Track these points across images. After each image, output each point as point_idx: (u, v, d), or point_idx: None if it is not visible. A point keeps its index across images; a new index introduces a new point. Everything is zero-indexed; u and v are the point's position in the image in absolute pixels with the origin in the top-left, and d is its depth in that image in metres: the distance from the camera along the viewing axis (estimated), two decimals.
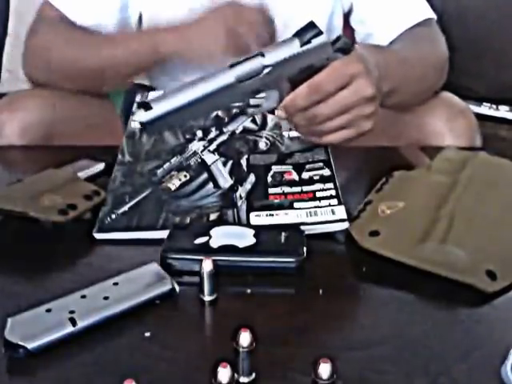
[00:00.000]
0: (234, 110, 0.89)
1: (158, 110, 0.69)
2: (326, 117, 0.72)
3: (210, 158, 0.79)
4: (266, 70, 0.71)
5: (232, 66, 0.73)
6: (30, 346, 0.51)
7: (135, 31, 1.05)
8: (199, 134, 0.84)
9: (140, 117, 0.67)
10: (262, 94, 0.87)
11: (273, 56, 0.73)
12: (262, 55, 0.73)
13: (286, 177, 0.75)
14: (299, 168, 0.76)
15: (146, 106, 0.67)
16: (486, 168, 0.79)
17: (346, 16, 1.06)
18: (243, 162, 0.78)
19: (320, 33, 0.73)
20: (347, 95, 0.71)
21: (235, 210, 0.71)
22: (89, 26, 0.99)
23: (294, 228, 0.67)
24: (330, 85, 0.70)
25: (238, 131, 0.84)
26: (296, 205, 0.71)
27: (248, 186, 0.74)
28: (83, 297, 0.57)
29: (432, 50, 0.97)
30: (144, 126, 0.67)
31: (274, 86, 0.71)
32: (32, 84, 1.01)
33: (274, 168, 0.77)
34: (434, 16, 1.01)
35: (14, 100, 0.95)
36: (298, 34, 0.73)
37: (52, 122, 0.93)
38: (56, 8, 1.00)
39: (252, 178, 0.75)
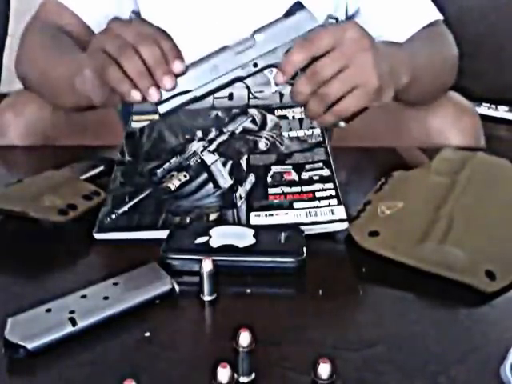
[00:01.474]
0: (234, 110, 0.89)
1: (173, 103, 0.71)
2: (328, 71, 0.68)
3: (209, 158, 0.79)
4: (259, 39, 0.71)
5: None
6: (30, 345, 0.52)
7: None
8: (199, 134, 0.84)
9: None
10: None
11: (262, 28, 0.72)
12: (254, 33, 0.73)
13: (286, 177, 0.75)
14: (299, 168, 0.76)
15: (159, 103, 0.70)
16: (484, 168, 0.79)
17: (348, 19, 1.06)
18: (243, 162, 0.78)
19: (303, 8, 0.73)
20: (344, 47, 0.68)
21: (235, 210, 0.71)
22: (92, 19, 0.98)
23: (293, 228, 0.67)
24: (325, 36, 0.69)
25: (237, 131, 0.84)
26: (296, 205, 0.71)
27: (248, 186, 0.74)
28: (83, 297, 0.57)
29: (444, 47, 0.97)
30: (156, 104, 0.70)
31: (272, 59, 0.71)
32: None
33: (274, 168, 0.77)
34: (441, 17, 1.01)
35: (17, 101, 0.95)
36: (285, 14, 0.74)
37: (54, 123, 0.93)
38: (56, 3, 0.98)
39: (252, 178, 0.76)
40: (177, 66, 0.70)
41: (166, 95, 0.70)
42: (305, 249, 0.63)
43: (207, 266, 0.58)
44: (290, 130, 0.84)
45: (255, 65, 0.71)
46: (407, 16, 0.99)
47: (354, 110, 0.71)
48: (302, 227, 0.67)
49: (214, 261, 0.59)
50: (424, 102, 0.93)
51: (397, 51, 0.80)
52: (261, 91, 0.92)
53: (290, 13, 0.72)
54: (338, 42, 0.69)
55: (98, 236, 0.69)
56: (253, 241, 0.64)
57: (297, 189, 0.73)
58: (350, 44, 0.69)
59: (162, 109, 0.70)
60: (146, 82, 0.69)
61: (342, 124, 0.73)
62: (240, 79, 0.72)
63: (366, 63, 0.70)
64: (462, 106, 0.96)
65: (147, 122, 0.87)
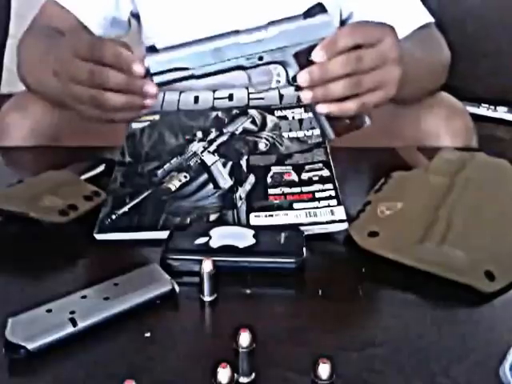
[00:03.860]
0: (234, 111, 0.89)
1: (165, 56, 0.70)
2: (371, 62, 0.68)
3: (209, 159, 0.79)
4: (271, 33, 0.69)
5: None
6: (31, 346, 0.52)
7: None
8: (199, 134, 0.84)
9: (148, 61, 0.69)
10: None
11: (278, 22, 0.71)
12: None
13: (286, 177, 0.75)
14: (299, 169, 0.76)
15: (153, 49, 0.69)
16: (484, 169, 0.79)
17: (342, 23, 1.06)
18: (243, 162, 0.79)
19: (325, 11, 0.72)
20: (375, 51, 0.69)
21: (235, 210, 0.71)
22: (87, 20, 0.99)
23: (293, 228, 0.67)
24: (373, 30, 0.69)
25: (237, 132, 0.85)
26: (295, 205, 0.71)
27: (248, 186, 0.75)
28: (83, 297, 0.57)
29: (434, 47, 0.97)
30: (151, 74, 0.69)
31: (279, 56, 0.70)
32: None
33: (274, 169, 0.77)
34: (432, 20, 1.02)
35: (22, 101, 0.95)
36: (305, 13, 0.72)
37: (58, 124, 0.93)
38: (55, 5, 0.99)
39: (252, 178, 0.76)
40: (137, 69, 0.68)
41: (162, 66, 0.68)
42: (305, 249, 0.63)
43: (207, 266, 0.58)
44: (290, 130, 0.84)
45: (260, 58, 0.70)
46: (399, 19, 0.99)
47: (376, 102, 0.70)
48: (302, 228, 0.67)
49: (214, 261, 0.59)
50: (413, 100, 0.93)
51: None
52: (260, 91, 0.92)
53: (309, 13, 0.70)
54: (381, 40, 0.69)
55: (98, 236, 0.69)
56: (253, 241, 0.64)
57: (296, 189, 0.73)
58: (389, 47, 0.69)
59: (158, 79, 0.69)
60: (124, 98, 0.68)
61: (368, 122, 0.71)
62: (241, 68, 0.70)
63: (394, 71, 0.70)
64: (454, 107, 0.96)
65: (148, 123, 0.87)
